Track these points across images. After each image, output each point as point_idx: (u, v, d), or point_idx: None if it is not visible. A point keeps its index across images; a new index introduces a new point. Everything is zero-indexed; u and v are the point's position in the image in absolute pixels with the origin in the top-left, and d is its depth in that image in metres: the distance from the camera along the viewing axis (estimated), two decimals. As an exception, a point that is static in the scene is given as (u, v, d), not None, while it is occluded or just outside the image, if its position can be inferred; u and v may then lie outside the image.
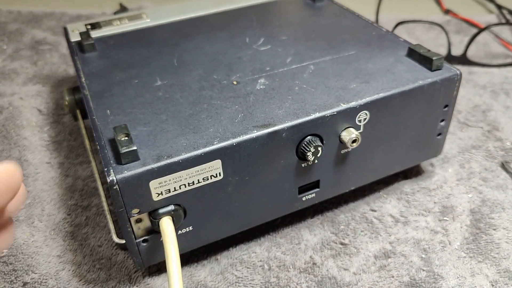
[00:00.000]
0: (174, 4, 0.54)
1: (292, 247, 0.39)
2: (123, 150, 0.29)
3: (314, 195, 0.38)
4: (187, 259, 0.38)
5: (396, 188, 0.44)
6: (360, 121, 0.36)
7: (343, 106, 0.34)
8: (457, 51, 0.64)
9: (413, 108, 0.38)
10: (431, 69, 0.38)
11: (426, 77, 0.37)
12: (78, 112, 0.45)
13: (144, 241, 0.33)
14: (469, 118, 0.53)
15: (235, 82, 0.38)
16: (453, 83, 0.38)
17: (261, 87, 0.37)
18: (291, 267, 0.37)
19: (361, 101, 0.35)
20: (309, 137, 0.34)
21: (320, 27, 0.47)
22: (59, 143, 0.49)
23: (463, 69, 0.61)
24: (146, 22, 0.50)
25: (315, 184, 0.38)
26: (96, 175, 0.41)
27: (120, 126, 0.31)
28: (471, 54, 0.63)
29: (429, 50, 0.39)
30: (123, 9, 0.74)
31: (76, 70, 0.41)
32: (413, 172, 0.46)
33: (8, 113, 0.52)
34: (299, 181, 0.36)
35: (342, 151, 0.37)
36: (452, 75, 0.38)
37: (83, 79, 0.39)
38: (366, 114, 0.35)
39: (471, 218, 0.41)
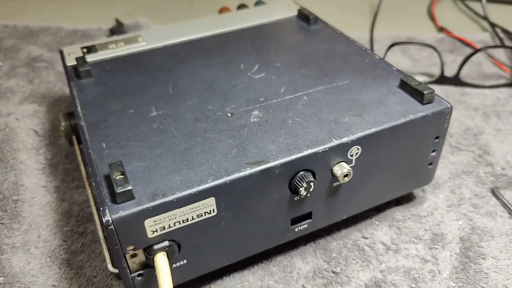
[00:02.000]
0: (170, 26, 0.54)
1: (284, 276, 0.40)
2: (119, 190, 0.30)
3: (306, 225, 0.39)
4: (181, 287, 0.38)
5: (387, 214, 0.45)
6: (352, 155, 0.36)
7: (335, 142, 0.35)
8: (450, 71, 0.65)
9: (404, 140, 0.38)
10: (422, 102, 0.39)
11: (417, 110, 0.38)
12: (74, 138, 0.45)
13: (139, 275, 0.33)
14: (461, 142, 0.53)
15: (229, 114, 0.38)
16: (444, 116, 0.39)
17: (255, 119, 0.38)
18: (283, 296, 0.38)
19: (353, 137, 0.35)
20: (301, 172, 0.35)
21: (314, 52, 0.47)
22: (55, 166, 0.49)
23: (456, 90, 0.62)
24: (141, 46, 0.50)
25: (308, 215, 0.38)
26: (91, 202, 0.41)
27: (116, 163, 0.32)
28: (464, 74, 0.64)
29: (420, 83, 0.40)
30: (119, 24, 0.74)
31: (72, 98, 0.42)
32: (404, 198, 0.47)
33: (4, 135, 0.52)
34: (292, 213, 0.37)
35: (334, 184, 0.37)
36: (443, 108, 0.38)
37: (78, 108, 0.40)
38: (358, 149, 0.36)
39: (460, 246, 0.42)
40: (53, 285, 0.38)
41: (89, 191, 0.42)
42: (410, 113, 0.38)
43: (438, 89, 0.62)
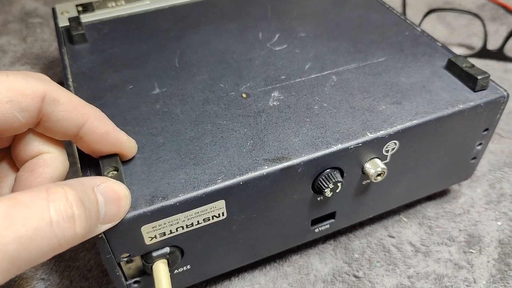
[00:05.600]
0: (179, -18, 0.47)
1: (300, 278, 0.35)
2: (111, 191, 0.25)
3: (328, 226, 0.34)
4: (184, 288, 0.34)
5: (418, 211, 0.40)
6: (387, 151, 0.31)
7: (370, 136, 0.29)
8: (492, 44, 0.58)
9: (449, 133, 0.33)
10: (474, 89, 0.33)
11: (467, 99, 0.32)
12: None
13: (135, 282, 0.29)
14: (503, 127, 0.47)
15: (244, 95, 0.33)
16: (498, 106, 0.33)
17: (275, 103, 0.32)
18: (298, 303, 0.34)
19: (391, 130, 0.30)
20: (328, 170, 0.29)
21: (345, 21, 0.41)
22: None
23: (498, 66, 0.55)
24: (145, 5, 0.44)
25: (330, 215, 0.33)
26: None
27: (108, 155, 0.27)
28: (509, 47, 0.57)
29: (473, 65, 0.33)
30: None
31: (63, 67, 0.36)
32: (437, 193, 0.41)
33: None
34: (313, 214, 0.32)
35: (364, 182, 0.32)
36: (498, 97, 0.32)
37: (70, 81, 0.34)
38: (395, 144, 0.31)
39: (499, 251, 0.37)
40: (42, 279, 0.34)
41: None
42: (459, 102, 0.32)
43: (478, 64, 0.55)
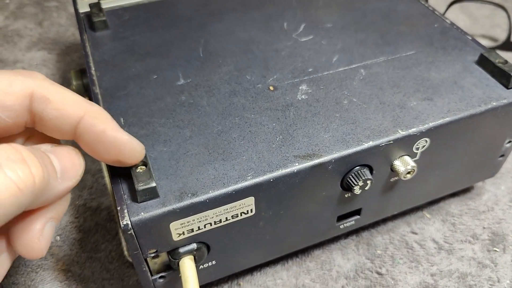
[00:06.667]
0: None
1: (322, 274, 0.35)
2: (140, 186, 0.24)
3: (353, 222, 0.33)
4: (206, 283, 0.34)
5: (441, 207, 0.39)
6: (417, 148, 0.30)
7: (402, 133, 0.29)
8: (515, 34, 0.56)
9: (480, 131, 0.32)
10: (507, 86, 0.32)
11: (500, 96, 0.31)
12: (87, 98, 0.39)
13: (161, 277, 0.29)
14: (527, 123, 0.46)
15: (271, 88, 0.32)
16: (532, 103, 0.32)
17: (303, 96, 0.31)
18: (320, 299, 0.33)
19: (423, 127, 0.29)
20: (357, 167, 0.29)
21: (372, 11, 0.40)
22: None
23: (523, 59, 0.53)
24: (166, -9, 0.43)
25: (356, 212, 0.33)
26: (105, 173, 0.36)
27: (137, 149, 0.26)
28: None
29: (506, 61, 0.32)
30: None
31: (85, 55, 0.35)
32: (461, 189, 0.41)
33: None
34: (340, 211, 0.32)
35: (392, 179, 0.31)
36: (532, 95, 0.31)
37: (92, 70, 0.34)
38: (426, 141, 0.30)
39: (524, 250, 0.37)
40: (63, 270, 0.34)
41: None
42: (491, 99, 0.31)
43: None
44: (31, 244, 0.22)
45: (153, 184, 0.24)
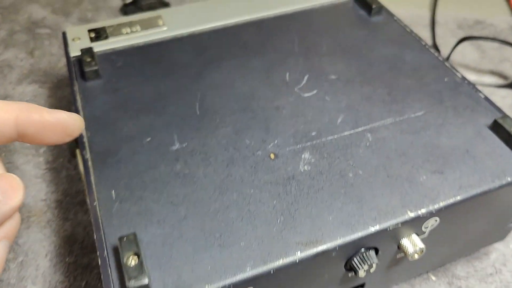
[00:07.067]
0: (197, 4, 0.44)
1: None
2: (132, 284, 0.23)
3: (355, 295, 0.32)
4: None
5: (447, 269, 0.38)
6: (426, 227, 0.28)
7: (411, 215, 0.27)
8: (525, 70, 0.54)
9: (493, 205, 0.30)
10: (522, 158, 0.30)
11: (515, 169, 0.29)
12: (77, 151, 0.37)
13: None
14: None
15: (272, 156, 0.30)
16: (547, 176, 0.30)
17: (305, 167, 0.29)
18: None
19: (433, 208, 0.27)
20: (363, 250, 0.27)
21: (378, 60, 0.38)
22: (57, 171, 0.41)
23: (532, 99, 0.52)
24: (162, 31, 0.41)
25: (360, 286, 0.31)
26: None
27: (128, 238, 0.24)
28: (543, 75, 0.54)
29: (522, 130, 0.31)
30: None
31: (75, 109, 0.33)
32: (467, 247, 0.39)
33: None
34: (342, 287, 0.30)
35: (398, 256, 0.30)
36: (548, 168, 0.30)
37: (83, 131, 0.32)
38: (435, 220, 0.28)
39: (532, 316, 0.35)
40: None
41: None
42: (506, 173, 0.29)
43: (510, 95, 0.52)
44: None
45: (145, 282, 0.23)
